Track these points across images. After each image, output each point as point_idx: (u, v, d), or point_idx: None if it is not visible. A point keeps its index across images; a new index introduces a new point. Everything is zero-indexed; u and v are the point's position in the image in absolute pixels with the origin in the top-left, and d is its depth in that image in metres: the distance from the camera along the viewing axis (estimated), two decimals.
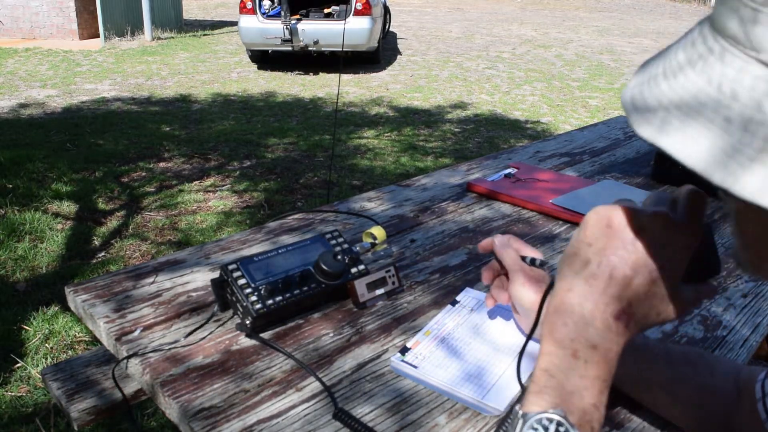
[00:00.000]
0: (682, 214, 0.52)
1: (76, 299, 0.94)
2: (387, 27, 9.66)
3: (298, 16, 7.86)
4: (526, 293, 0.80)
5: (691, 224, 0.52)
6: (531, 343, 0.67)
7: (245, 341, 0.85)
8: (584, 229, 0.53)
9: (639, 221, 0.51)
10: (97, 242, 3.17)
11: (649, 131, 0.37)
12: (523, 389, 0.67)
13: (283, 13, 7.55)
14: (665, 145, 0.36)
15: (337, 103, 4.46)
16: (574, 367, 0.51)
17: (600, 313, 0.51)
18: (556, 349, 0.52)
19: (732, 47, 0.35)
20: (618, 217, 0.52)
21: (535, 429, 0.50)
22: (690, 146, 0.35)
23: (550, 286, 0.59)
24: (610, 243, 0.51)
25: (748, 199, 0.33)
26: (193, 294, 0.97)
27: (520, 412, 0.52)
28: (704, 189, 0.51)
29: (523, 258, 0.82)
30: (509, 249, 0.83)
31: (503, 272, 0.85)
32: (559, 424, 0.49)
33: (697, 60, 0.37)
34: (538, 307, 0.64)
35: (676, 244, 0.51)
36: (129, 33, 10.41)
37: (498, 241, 0.85)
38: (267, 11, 7.82)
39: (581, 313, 0.51)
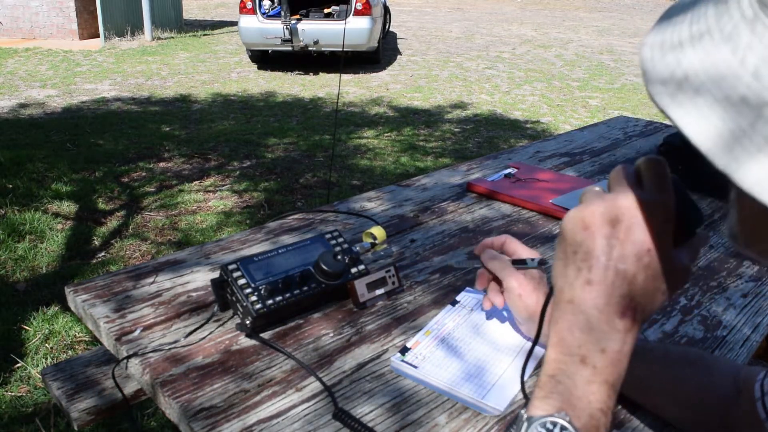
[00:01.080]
0: (650, 188, 0.51)
1: (76, 299, 0.94)
2: (387, 27, 9.66)
3: (298, 16, 7.86)
4: (521, 303, 0.80)
5: (663, 194, 0.50)
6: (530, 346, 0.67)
7: (245, 341, 0.86)
8: (564, 238, 0.53)
9: (612, 213, 0.50)
10: (97, 242, 3.17)
11: (663, 98, 0.34)
12: (527, 398, 0.67)
13: (283, 13, 7.55)
14: (675, 117, 0.34)
15: (337, 103, 4.46)
16: (582, 373, 0.51)
17: (605, 315, 0.50)
18: (564, 357, 0.51)
19: (766, 17, 0.31)
20: (590, 216, 0.51)
21: None
22: (699, 122, 0.33)
23: (549, 296, 0.59)
24: (594, 244, 0.50)
25: (747, 190, 0.31)
26: (193, 294, 0.97)
27: (525, 416, 0.52)
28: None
29: (515, 262, 0.82)
30: (495, 261, 0.83)
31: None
32: (563, 428, 0.49)
33: (727, 22, 0.33)
34: (539, 318, 0.64)
35: (656, 219, 0.50)
36: (129, 33, 10.41)
37: (486, 256, 0.85)
38: (267, 11, 7.81)
39: (586, 319, 0.50)
